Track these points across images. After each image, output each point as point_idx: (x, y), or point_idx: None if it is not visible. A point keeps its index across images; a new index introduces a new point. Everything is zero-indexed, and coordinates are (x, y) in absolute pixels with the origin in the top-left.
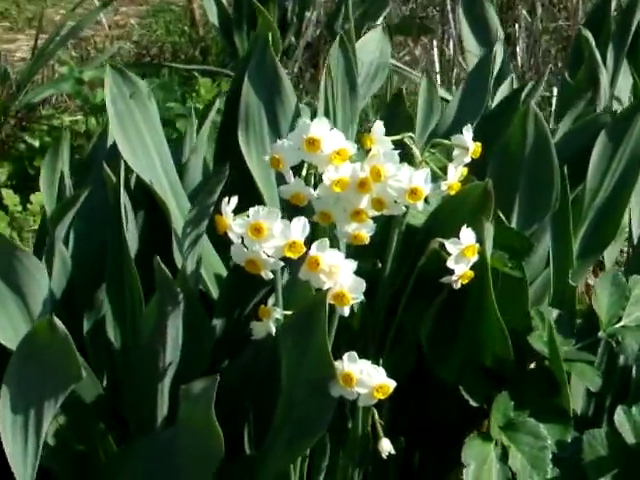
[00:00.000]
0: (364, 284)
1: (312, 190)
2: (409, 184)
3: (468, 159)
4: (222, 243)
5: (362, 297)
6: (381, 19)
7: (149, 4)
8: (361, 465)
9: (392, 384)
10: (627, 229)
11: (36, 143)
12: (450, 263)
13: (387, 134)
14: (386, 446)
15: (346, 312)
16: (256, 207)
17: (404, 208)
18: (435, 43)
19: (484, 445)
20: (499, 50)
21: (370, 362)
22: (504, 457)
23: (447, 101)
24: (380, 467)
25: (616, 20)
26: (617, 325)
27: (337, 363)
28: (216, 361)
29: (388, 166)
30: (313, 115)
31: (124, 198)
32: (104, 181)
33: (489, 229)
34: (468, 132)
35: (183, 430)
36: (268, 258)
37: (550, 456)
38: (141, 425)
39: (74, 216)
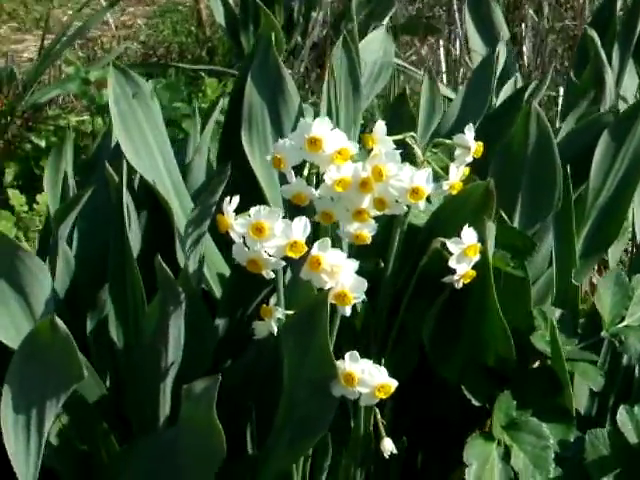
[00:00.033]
0: (365, 284)
1: (314, 190)
2: (410, 184)
3: (470, 159)
4: (225, 242)
5: (364, 297)
6: (387, 19)
7: (156, 4)
8: (363, 465)
9: (394, 384)
10: (630, 228)
11: (42, 143)
12: (452, 263)
13: (390, 134)
14: (388, 446)
15: (347, 312)
16: (257, 207)
17: (406, 208)
18: (442, 43)
19: (486, 445)
20: (502, 50)
21: (372, 362)
22: (506, 457)
23: (451, 100)
24: (382, 467)
25: (622, 20)
26: (620, 325)
27: (339, 363)
28: (219, 361)
29: (390, 166)
30: (316, 115)
31: (127, 198)
32: (107, 181)
33: (491, 228)
34: (470, 132)
35: (185, 430)
36: (269, 258)
37: (552, 456)
38: (144, 425)
39: (77, 216)
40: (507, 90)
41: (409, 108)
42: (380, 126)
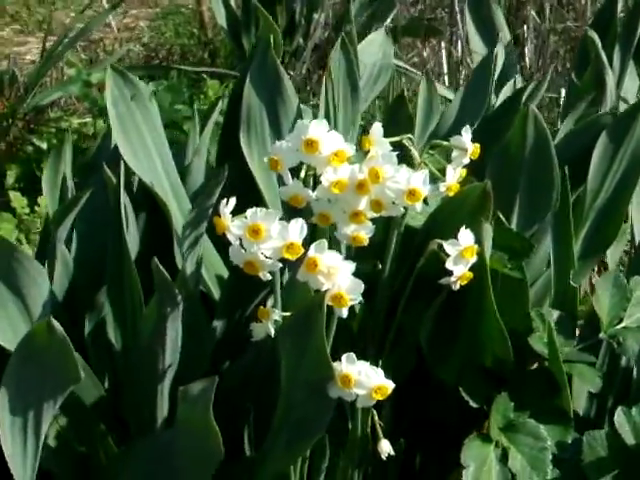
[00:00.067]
0: (362, 285)
1: (311, 192)
2: (407, 185)
3: (467, 160)
4: (224, 244)
5: (360, 298)
6: (389, 21)
7: (159, 7)
8: (361, 466)
9: (390, 385)
10: (629, 230)
11: (44, 145)
12: (449, 264)
13: (388, 135)
14: (385, 447)
15: (344, 313)
16: (254, 208)
17: (403, 209)
18: (443, 45)
19: (484, 446)
20: (501, 51)
21: (369, 363)
22: (504, 458)
23: (451, 101)
24: (380, 468)
25: (623, 21)
26: (618, 326)
27: (335, 364)
28: (217, 362)
29: (386, 167)
30: (315, 117)
31: (125, 200)
32: (105, 183)
33: (488, 230)
34: (467, 133)
35: (182, 431)
36: (266, 259)
37: (550, 457)
38: (141, 426)
39: (76, 218)
40: (506, 91)
41: (407, 110)
42: (377, 128)
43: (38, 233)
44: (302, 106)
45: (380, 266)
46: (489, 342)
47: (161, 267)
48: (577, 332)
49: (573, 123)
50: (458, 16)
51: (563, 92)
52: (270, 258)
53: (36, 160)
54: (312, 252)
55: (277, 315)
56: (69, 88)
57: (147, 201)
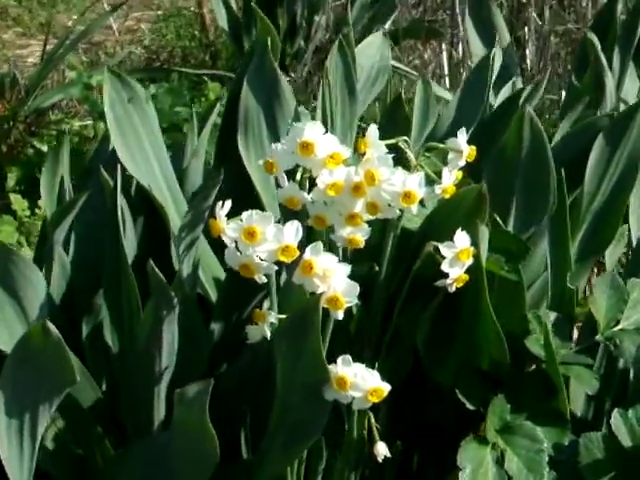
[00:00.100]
0: (358, 288)
1: (306, 194)
2: (403, 188)
3: (462, 162)
4: (221, 246)
5: (356, 301)
6: (390, 23)
7: (160, 9)
8: (357, 468)
9: (386, 387)
10: (627, 232)
11: (45, 148)
12: (444, 266)
13: (387, 137)
14: (382, 449)
15: (340, 316)
16: (249, 211)
17: (399, 212)
18: (444, 46)
19: (480, 448)
20: (498, 53)
21: (365, 366)
22: (500, 460)
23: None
24: (376, 470)
25: (622, 23)
26: (615, 328)
27: (331, 367)
28: (214, 365)
29: (382, 170)
30: (313, 119)
31: (122, 203)
32: (103, 186)
33: (484, 232)
34: (462, 136)
35: (178, 434)
36: (261, 262)
37: (546, 459)
38: (138, 429)
39: (74, 220)
40: (505, 93)
41: (404, 112)
42: (372, 130)
43: (38, 236)
44: (300, 108)
45: (376, 268)
46: (485, 344)
47: (157, 270)
48: (576, 334)
49: (570, 125)
50: (459, 18)
51: (564, 94)
52: (265, 260)
53: (37, 163)
54: (308, 255)
55: (273, 317)
56: (70, 91)
57: (145, 204)
